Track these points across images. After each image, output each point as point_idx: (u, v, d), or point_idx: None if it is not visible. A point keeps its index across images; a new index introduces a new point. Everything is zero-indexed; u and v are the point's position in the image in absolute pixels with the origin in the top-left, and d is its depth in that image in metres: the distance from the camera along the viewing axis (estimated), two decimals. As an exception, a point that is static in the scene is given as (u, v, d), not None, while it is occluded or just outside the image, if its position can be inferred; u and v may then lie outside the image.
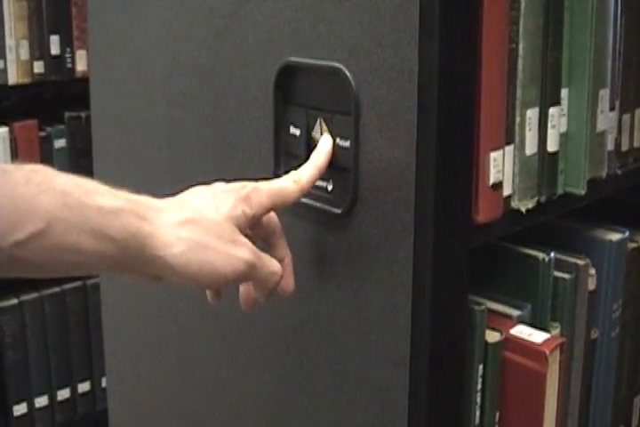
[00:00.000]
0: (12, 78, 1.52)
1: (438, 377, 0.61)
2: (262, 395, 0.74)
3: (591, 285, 0.76)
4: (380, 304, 0.62)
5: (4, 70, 1.51)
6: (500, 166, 0.62)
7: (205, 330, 0.79)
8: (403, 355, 0.61)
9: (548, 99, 0.66)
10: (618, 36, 0.74)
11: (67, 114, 1.61)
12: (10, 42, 1.49)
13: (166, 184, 0.81)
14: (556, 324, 0.73)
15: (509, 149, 0.64)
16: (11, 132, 1.55)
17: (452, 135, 0.58)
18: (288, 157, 0.67)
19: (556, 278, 0.73)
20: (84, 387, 1.76)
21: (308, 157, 0.65)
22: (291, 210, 0.67)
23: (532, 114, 0.65)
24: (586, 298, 0.76)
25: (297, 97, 0.66)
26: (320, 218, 0.66)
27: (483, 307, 0.64)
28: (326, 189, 0.65)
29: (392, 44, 0.57)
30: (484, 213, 0.62)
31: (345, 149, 0.62)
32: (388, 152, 0.59)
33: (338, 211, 0.63)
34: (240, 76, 0.70)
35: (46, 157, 1.61)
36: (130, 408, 0.94)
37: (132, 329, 0.91)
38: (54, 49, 1.56)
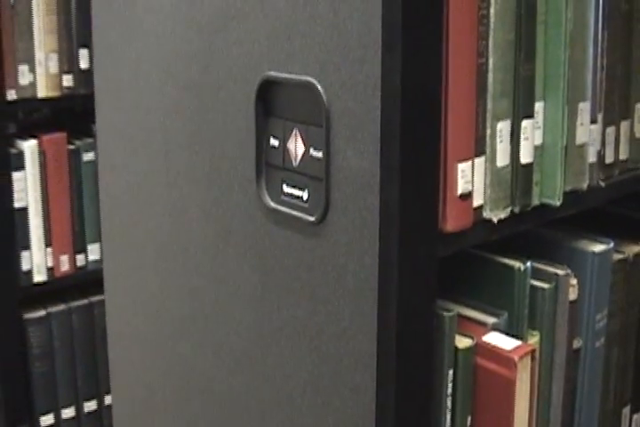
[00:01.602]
0: (42, 91, 1.56)
1: (406, 380, 0.63)
2: (249, 395, 0.76)
3: (572, 294, 0.78)
4: (350, 309, 0.64)
5: (34, 84, 1.55)
6: (468, 177, 0.64)
7: (203, 339, 0.82)
8: (370, 358, 0.63)
9: (521, 112, 0.68)
10: (599, 50, 0.75)
11: (95, 127, 1.64)
12: (39, 55, 1.54)
13: (163, 192, 0.84)
14: (536, 332, 0.75)
15: (480, 160, 0.66)
16: (40, 145, 1.58)
17: (416, 146, 0.60)
18: (268, 167, 0.70)
19: (535, 288, 0.74)
20: (110, 399, 1.78)
21: (284, 168, 0.67)
22: (270, 218, 0.70)
23: (504, 126, 0.67)
24: (567, 308, 0.77)
25: (276, 109, 0.68)
26: (297, 226, 0.68)
27: (452, 313, 0.66)
28: (302, 198, 0.67)
29: (358, 59, 0.60)
30: (453, 222, 0.64)
31: (318, 159, 0.65)
32: (356, 163, 0.62)
33: (312, 219, 0.66)
34: (225, 88, 0.73)
35: (74, 169, 1.64)
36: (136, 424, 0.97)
37: (134, 343, 0.94)
38: (83, 63, 1.60)
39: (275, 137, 0.69)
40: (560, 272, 0.76)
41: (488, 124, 0.66)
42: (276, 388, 0.73)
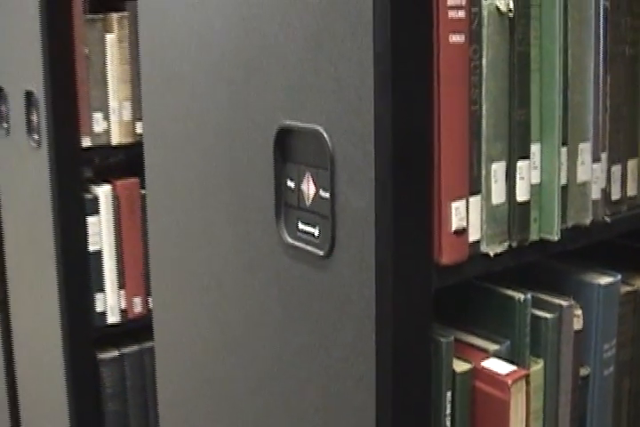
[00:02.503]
0: (115, 138, 1.62)
1: (403, 400, 0.69)
2: (269, 413, 0.83)
3: (577, 324, 0.82)
4: (352, 335, 0.70)
5: (108, 131, 1.61)
6: (462, 214, 0.70)
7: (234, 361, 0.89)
8: (370, 380, 0.69)
9: (516, 153, 0.73)
10: (601, 93, 0.80)
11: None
12: (113, 103, 1.62)
13: (201, 231, 0.92)
14: (540, 360, 0.79)
15: (475, 198, 0.71)
16: (114, 190, 1.64)
17: (408, 187, 0.66)
18: (286, 206, 0.77)
19: (538, 317, 0.79)
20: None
21: (299, 207, 0.75)
22: (288, 252, 0.77)
23: (498, 167, 0.72)
24: (571, 337, 0.81)
25: (292, 155, 0.76)
26: (310, 259, 0.75)
27: (449, 339, 0.72)
28: (314, 234, 0.74)
29: (355, 109, 0.66)
30: (448, 255, 0.70)
31: (325, 199, 0.71)
32: (356, 202, 0.68)
33: (321, 253, 0.72)
34: (249, 135, 0.80)
35: (146, 214, 1.71)
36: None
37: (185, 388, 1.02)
38: (155, 111, 1.70)
39: (291, 179, 0.76)
40: (564, 303, 0.80)
41: (483, 165, 0.71)
42: (291, 406, 0.79)
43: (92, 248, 1.62)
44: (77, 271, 1.60)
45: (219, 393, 0.93)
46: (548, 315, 0.79)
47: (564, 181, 0.77)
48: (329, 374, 0.73)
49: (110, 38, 1.60)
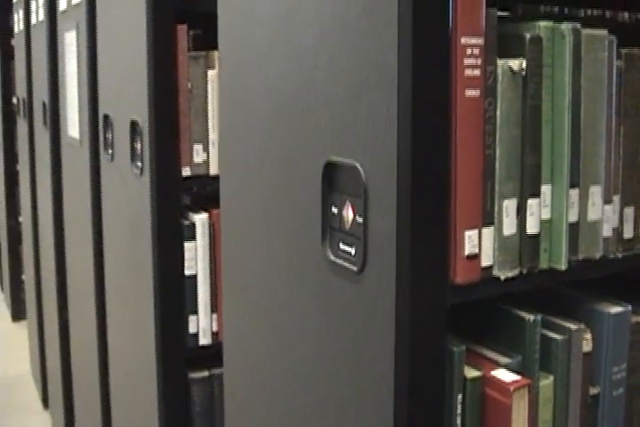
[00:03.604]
0: (214, 169, 1.71)
1: (419, 400, 0.80)
2: (310, 413, 0.96)
3: (586, 347, 0.92)
4: (378, 342, 0.83)
5: (207, 162, 1.71)
6: (475, 242, 0.82)
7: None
8: (389, 381, 0.81)
9: (527, 192, 0.85)
10: (613, 143, 0.91)
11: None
12: (213, 136, 1.77)
13: (262, 251, 1.06)
14: (550, 375, 0.90)
15: (489, 229, 0.83)
16: (210, 217, 1.72)
17: (425, 216, 0.79)
18: (331, 229, 0.91)
19: (549, 338, 0.89)
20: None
21: (340, 230, 0.88)
22: (330, 268, 0.90)
23: (510, 204, 0.84)
24: (580, 358, 0.91)
25: (336, 185, 0.89)
26: (347, 275, 0.88)
27: (461, 349, 0.83)
28: (351, 253, 0.87)
29: (384, 149, 0.80)
30: (462, 276, 0.82)
31: (360, 224, 0.85)
32: (383, 227, 0.81)
33: (355, 269, 0.85)
34: (303, 168, 0.95)
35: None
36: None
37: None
38: (249, 141, 1.86)
39: (335, 206, 0.90)
40: (573, 326, 0.90)
41: (495, 201, 0.83)
42: (326, 405, 0.92)
43: (187, 272, 1.70)
44: (173, 294, 1.69)
45: (284, 406, 1.06)
46: (558, 336, 0.90)
47: (574, 218, 0.88)
48: (360, 374, 0.86)
49: (212, 74, 1.70)
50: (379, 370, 0.82)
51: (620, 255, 0.93)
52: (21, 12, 3.41)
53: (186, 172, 1.68)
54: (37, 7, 2.93)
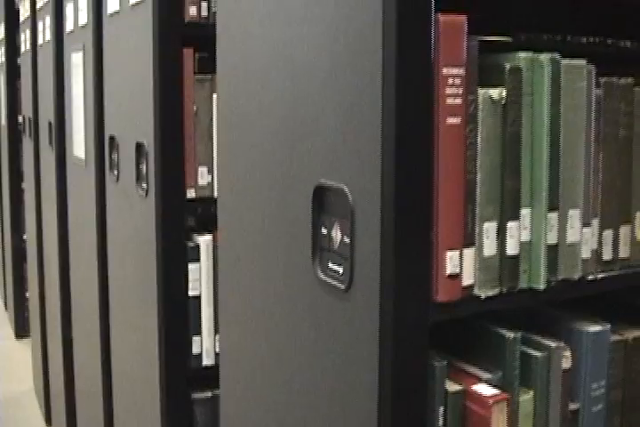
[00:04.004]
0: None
1: (402, 411, 0.84)
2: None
3: (566, 364, 0.95)
4: (363, 356, 0.86)
5: (211, 184, 1.73)
6: (456, 262, 0.86)
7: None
8: (373, 394, 0.85)
9: (507, 215, 0.89)
10: (592, 169, 0.95)
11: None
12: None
13: (257, 270, 1.10)
14: (530, 390, 0.93)
15: (469, 250, 0.87)
16: (214, 239, 1.73)
17: (408, 237, 0.83)
18: (321, 249, 0.95)
19: (528, 355, 0.93)
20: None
21: (329, 250, 0.92)
22: (320, 286, 0.94)
23: (490, 226, 0.88)
24: (560, 374, 0.95)
25: (325, 207, 0.94)
26: (336, 293, 0.92)
27: (443, 364, 0.87)
28: (339, 272, 0.91)
29: (369, 174, 0.84)
30: (443, 294, 0.86)
31: (347, 244, 0.89)
32: (367, 248, 0.85)
33: (343, 287, 0.89)
34: (294, 191, 0.99)
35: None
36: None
37: None
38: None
39: (324, 227, 0.94)
40: (552, 344, 0.94)
41: (477, 224, 0.87)
42: (316, 418, 0.95)
43: (191, 293, 1.71)
44: (177, 314, 1.70)
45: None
46: (538, 353, 0.93)
47: (553, 240, 0.92)
48: (346, 387, 0.90)
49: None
50: (364, 383, 0.86)
51: (599, 276, 0.97)
52: (28, 32, 3.47)
53: (190, 194, 1.70)
54: (44, 27, 2.99)
